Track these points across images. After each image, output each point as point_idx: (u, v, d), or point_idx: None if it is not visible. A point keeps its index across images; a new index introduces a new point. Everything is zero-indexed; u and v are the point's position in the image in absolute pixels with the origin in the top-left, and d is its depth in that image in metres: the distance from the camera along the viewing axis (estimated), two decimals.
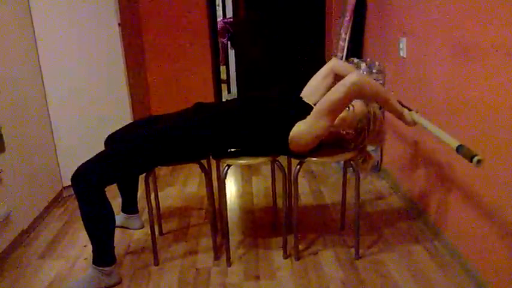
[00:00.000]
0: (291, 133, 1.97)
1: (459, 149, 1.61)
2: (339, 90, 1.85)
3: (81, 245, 2.49)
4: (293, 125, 1.98)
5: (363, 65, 3.12)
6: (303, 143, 1.98)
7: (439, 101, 2.29)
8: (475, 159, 1.51)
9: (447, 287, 2.00)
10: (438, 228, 2.37)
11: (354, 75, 1.84)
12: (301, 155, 2.08)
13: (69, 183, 1.97)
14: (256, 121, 2.05)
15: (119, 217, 2.58)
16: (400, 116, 1.96)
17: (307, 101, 2.19)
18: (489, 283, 1.88)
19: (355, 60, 3.28)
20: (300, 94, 2.27)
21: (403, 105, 1.98)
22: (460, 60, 2.05)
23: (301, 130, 1.96)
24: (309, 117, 1.96)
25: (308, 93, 2.26)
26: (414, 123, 1.93)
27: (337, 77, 2.18)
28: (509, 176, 1.72)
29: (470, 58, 1.96)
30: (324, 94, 2.04)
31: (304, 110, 2.06)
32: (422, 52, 2.48)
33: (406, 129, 2.76)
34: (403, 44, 2.71)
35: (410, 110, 1.96)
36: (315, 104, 2.08)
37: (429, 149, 2.46)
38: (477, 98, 1.92)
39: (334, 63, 2.24)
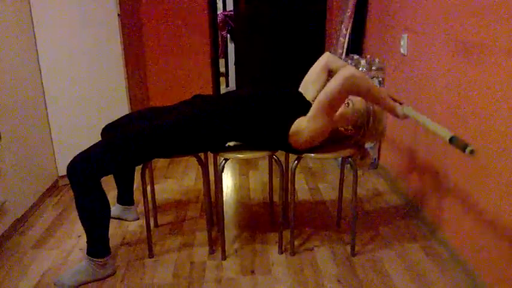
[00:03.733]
0: (291, 129, 1.97)
1: (452, 140, 1.60)
2: (333, 85, 1.84)
3: (75, 235, 2.48)
4: (293, 121, 1.97)
5: (363, 62, 3.10)
6: (302, 140, 1.99)
7: (440, 99, 2.28)
8: (468, 149, 1.52)
9: (443, 285, 2.00)
10: (435, 226, 2.36)
11: (348, 69, 1.83)
12: (300, 151, 2.08)
13: (65, 172, 1.95)
14: (256, 115, 2.04)
15: (115, 208, 2.57)
16: (392, 111, 1.92)
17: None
18: (485, 281, 1.88)
19: (355, 56, 3.26)
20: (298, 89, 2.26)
21: (393, 99, 1.94)
22: (462, 58, 2.04)
23: (301, 127, 1.96)
24: (307, 115, 1.95)
25: (304, 90, 2.25)
26: (405, 116, 1.90)
27: (332, 74, 2.17)
28: (507, 174, 1.71)
29: (472, 56, 1.95)
30: (320, 90, 2.02)
31: (305, 106, 2.05)
32: (423, 49, 2.46)
33: (404, 126, 2.76)
34: (404, 41, 2.70)
35: (400, 103, 1.92)
36: (312, 101, 2.07)
37: (427, 146, 2.45)
38: (478, 96, 1.91)
39: (328, 60, 2.22)
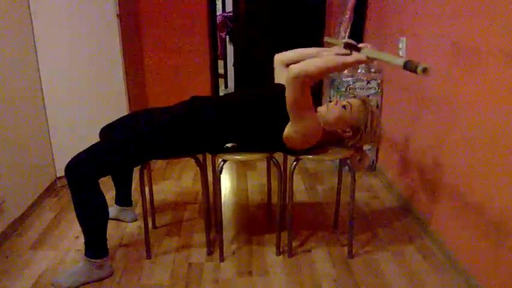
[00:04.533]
0: (284, 132, 1.98)
1: (406, 64, 1.55)
2: (288, 90, 1.87)
3: (73, 236, 2.48)
4: (287, 123, 1.98)
5: (361, 64, 3.10)
6: (296, 142, 2.00)
7: (437, 102, 2.28)
8: (419, 68, 1.48)
9: (439, 286, 2.00)
10: (431, 227, 2.37)
11: (291, 69, 1.84)
12: (298, 152, 2.08)
13: (63, 173, 1.95)
14: (254, 116, 2.04)
15: (113, 209, 2.57)
16: (357, 63, 1.90)
17: None
18: (479, 282, 1.89)
19: None
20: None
21: (353, 46, 1.88)
22: (460, 61, 2.05)
23: (291, 131, 1.97)
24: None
25: None
26: (371, 59, 1.83)
27: None
28: (499, 175, 1.72)
29: (470, 60, 1.95)
30: None
31: None
32: (421, 53, 2.47)
33: (401, 128, 2.76)
34: (402, 44, 2.70)
35: (358, 48, 1.86)
36: None
37: (423, 149, 2.46)
38: (476, 98, 1.91)
39: (280, 60, 2.25)
